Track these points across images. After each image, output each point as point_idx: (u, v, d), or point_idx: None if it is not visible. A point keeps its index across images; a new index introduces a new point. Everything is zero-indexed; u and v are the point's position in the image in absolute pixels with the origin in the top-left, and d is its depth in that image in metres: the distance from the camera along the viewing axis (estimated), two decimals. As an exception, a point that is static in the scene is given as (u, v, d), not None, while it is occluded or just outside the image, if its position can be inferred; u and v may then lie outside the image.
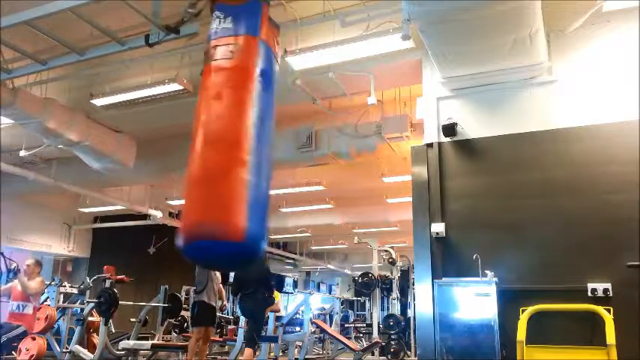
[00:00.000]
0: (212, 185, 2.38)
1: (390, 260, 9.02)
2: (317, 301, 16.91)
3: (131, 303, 7.34)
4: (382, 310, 11.06)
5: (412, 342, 8.49)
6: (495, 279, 4.31)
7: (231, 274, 7.10)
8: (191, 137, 2.56)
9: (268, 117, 2.63)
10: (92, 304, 6.07)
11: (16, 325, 5.92)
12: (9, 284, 6.25)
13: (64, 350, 6.03)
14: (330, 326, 8.62)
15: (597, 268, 4.20)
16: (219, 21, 2.82)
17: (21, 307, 6.10)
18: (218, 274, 6.48)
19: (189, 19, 3.57)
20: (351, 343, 8.00)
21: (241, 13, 2.85)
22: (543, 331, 4.17)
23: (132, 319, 6.96)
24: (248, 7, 2.86)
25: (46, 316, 5.83)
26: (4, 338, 5.74)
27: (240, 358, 6.35)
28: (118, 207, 10.48)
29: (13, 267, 6.13)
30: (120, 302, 5.96)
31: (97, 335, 6.12)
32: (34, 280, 6.14)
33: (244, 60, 2.67)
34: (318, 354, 9.07)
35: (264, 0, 2.87)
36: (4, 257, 6.18)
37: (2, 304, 6.38)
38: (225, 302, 7.33)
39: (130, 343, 6.08)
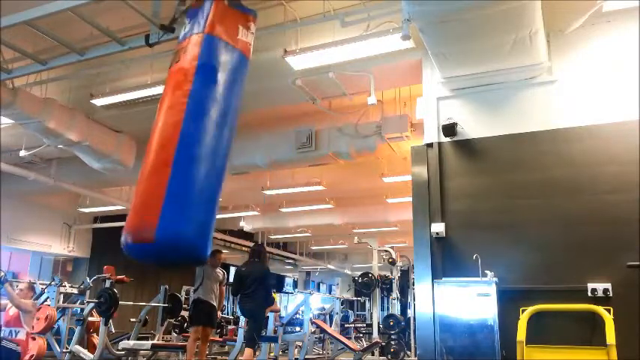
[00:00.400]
0: (137, 189, 2.44)
1: (390, 260, 9.01)
2: (317, 301, 16.91)
3: (131, 303, 7.36)
4: (382, 310, 11.06)
5: (412, 342, 8.49)
6: (495, 279, 4.31)
7: (231, 275, 7.10)
8: None
9: (206, 111, 2.56)
10: (92, 304, 6.07)
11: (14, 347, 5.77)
12: (5, 301, 6.13)
13: (64, 350, 6.03)
14: (330, 326, 8.62)
15: (597, 268, 4.20)
16: (184, 26, 2.87)
17: (14, 333, 5.98)
18: (219, 272, 6.46)
19: (180, 15, 3.57)
20: (351, 343, 8.00)
21: (196, 14, 2.88)
22: (543, 331, 4.17)
23: (132, 319, 6.96)
24: (201, 7, 2.87)
25: (46, 316, 5.82)
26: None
27: (240, 358, 6.34)
28: (118, 207, 10.47)
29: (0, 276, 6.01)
30: (120, 302, 5.96)
31: (97, 335, 6.12)
32: (26, 301, 6.02)
33: (184, 60, 2.69)
34: (318, 354, 9.07)
35: None
36: None
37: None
38: (222, 302, 7.29)
39: (130, 343, 6.08)
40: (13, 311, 5.93)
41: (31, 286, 6.23)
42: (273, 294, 6.38)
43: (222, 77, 2.66)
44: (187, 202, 2.37)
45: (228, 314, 11.76)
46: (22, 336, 5.79)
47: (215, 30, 2.75)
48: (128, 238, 2.30)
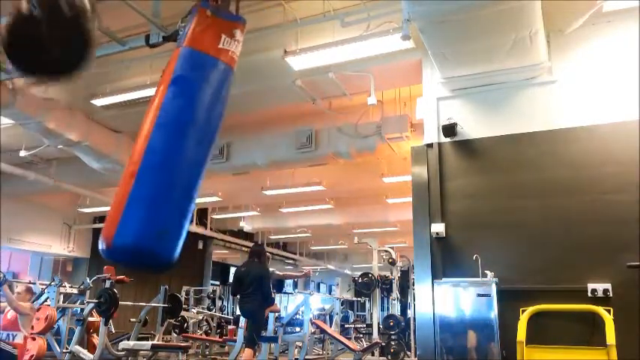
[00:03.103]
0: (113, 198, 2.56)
1: (390, 260, 9.00)
2: (317, 302, 16.91)
3: (131, 303, 7.35)
4: (382, 310, 11.05)
5: (412, 342, 8.48)
6: (495, 279, 4.31)
7: (231, 274, 7.08)
8: None
9: (175, 122, 2.62)
10: (92, 305, 6.06)
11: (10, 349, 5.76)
12: (4, 303, 6.12)
13: (64, 350, 6.02)
14: (330, 327, 8.61)
15: (597, 268, 4.19)
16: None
17: (11, 337, 5.97)
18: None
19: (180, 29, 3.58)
20: (351, 344, 7.99)
21: (185, 26, 2.94)
22: (543, 331, 4.17)
23: (132, 319, 6.95)
24: (188, 18, 2.94)
25: (46, 316, 5.81)
26: None
27: (240, 358, 6.34)
28: (118, 207, 10.45)
29: None
30: (120, 302, 5.95)
31: (97, 335, 6.11)
32: (24, 304, 6.01)
33: (163, 74, 2.76)
34: (318, 354, 9.06)
35: (202, 5, 2.87)
36: None
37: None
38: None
39: (130, 343, 6.07)
40: (10, 314, 5.92)
41: (29, 289, 6.22)
42: (273, 294, 6.36)
43: (195, 88, 2.70)
44: (147, 211, 2.44)
45: (228, 314, 11.76)
46: (19, 340, 5.77)
47: (193, 42, 2.80)
48: (101, 244, 2.46)
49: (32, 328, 5.73)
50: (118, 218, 2.37)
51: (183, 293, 11.15)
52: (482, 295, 4.26)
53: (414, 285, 7.58)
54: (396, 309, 9.29)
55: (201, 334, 9.52)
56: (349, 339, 9.25)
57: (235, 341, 6.97)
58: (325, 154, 7.07)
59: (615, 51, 4.58)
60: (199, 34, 2.79)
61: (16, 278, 10.46)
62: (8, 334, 5.90)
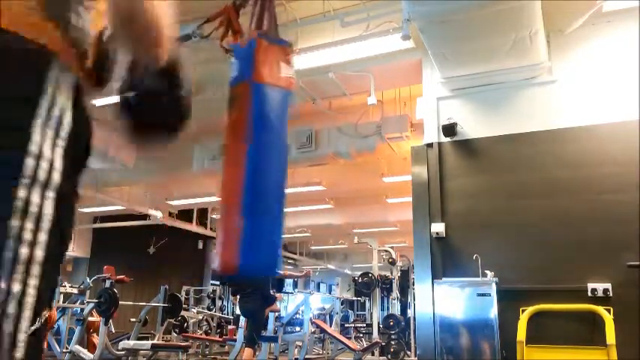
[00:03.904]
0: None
1: (390, 260, 9.01)
2: (317, 301, 16.91)
3: (131, 303, 7.35)
4: (382, 310, 11.05)
5: (412, 342, 8.49)
6: (495, 279, 4.31)
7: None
8: None
9: (267, 154, 2.83)
10: (92, 304, 6.07)
11: None
12: None
13: (64, 350, 6.03)
14: (330, 326, 8.62)
15: (597, 268, 4.20)
16: (232, 65, 2.95)
17: None
18: None
19: (196, 36, 3.57)
20: (351, 343, 7.99)
21: (241, 54, 2.97)
22: (543, 331, 4.17)
23: (132, 319, 6.96)
24: (246, 47, 2.98)
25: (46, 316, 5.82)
26: None
27: (240, 357, 6.34)
28: (118, 207, 10.48)
29: None
30: (120, 302, 5.96)
31: (97, 335, 6.12)
32: None
33: (241, 111, 2.88)
34: (318, 354, 9.07)
35: (259, 36, 2.89)
36: None
37: None
38: None
39: (130, 343, 6.08)
40: None
41: None
42: (273, 294, 6.37)
43: (273, 122, 2.86)
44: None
45: (228, 314, 11.77)
46: None
47: (260, 75, 2.88)
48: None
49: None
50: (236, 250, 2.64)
51: (183, 293, 11.16)
52: (482, 295, 4.26)
53: (414, 285, 7.59)
54: (396, 309, 9.29)
55: (201, 334, 9.52)
56: (349, 338, 9.25)
57: (235, 341, 6.97)
58: (325, 154, 7.07)
59: (615, 51, 4.58)
60: (264, 66, 2.90)
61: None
62: None
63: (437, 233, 4.75)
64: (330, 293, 21.94)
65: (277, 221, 2.75)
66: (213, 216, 12.89)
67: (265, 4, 2.96)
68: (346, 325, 11.40)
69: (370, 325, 9.37)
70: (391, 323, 8.40)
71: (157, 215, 10.60)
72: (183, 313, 8.30)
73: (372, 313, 9.06)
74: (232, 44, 2.85)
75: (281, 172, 2.76)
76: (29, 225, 0.80)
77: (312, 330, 7.56)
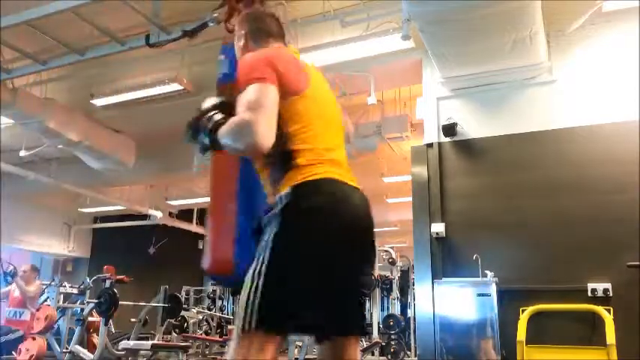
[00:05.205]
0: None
1: (390, 260, 9.01)
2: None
3: (131, 303, 7.34)
4: (382, 310, 11.04)
5: (412, 342, 8.49)
6: (495, 279, 4.31)
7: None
8: None
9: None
10: (92, 304, 6.06)
11: (14, 329, 5.90)
12: (7, 288, 6.22)
13: (64, 350, 6.02)
14: (330, 326, 8.60)
15: (597, 268, 4.20)
16: (220, 64, 3.00)
17: (18, 314, 6.04)
18: None
19: (211, 23, 3.55)
20: (351, 343, 7.97)
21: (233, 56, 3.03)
22: (543, 331, 4.17)
23: (132, 319, 6.96)
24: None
25: (46, 316, 5.82)
26: (3, 339, 5.73)
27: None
28: (118, 207, 10.47)
29: (10, 270, 6.09)
30: (120, 302, 5.95)
31: (97, 335, 6.12)
32: (31, 285, 6.13)
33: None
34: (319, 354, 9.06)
35: None
36: (0, 260, 6.16)
37: (2, 306, 6.36)
38: None
39: (130, 343, 6.07)
40: (17, 293, 6.03)
41: (35, 267, 6.34)
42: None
43: None
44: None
45: (228, 314, 11.76)
46: (26, 317, 5.90)
47: None
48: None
49: (35, 323, 5.79)
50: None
51: (183, 293, 11.16)
52: (482, 295, 4.26)
53: (414, 285, 7.59)
54: (396, 309, 9.29)
55: (201, 334, 9.51)
56: (349, 339, 9.23)
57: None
58: (325, 154, 7.05)
59: (615, 51, 4.58)
60: None
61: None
62: (16, 312, 6.03)
63: (437, 233, 4.75)
64: (330, 293, 21.91)
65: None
66: (213, 216, 12.86)
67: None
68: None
69: (370, 325, 9.37)
70: (391, 323, 8.40)
71: (157, 215, 10.60)
72: (183, 313, 8.29)
73: (372, 313, 9.05)
74: (223, 44, 2.85)
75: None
76: None
77: (312, 330, 7.54)
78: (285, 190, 1.55)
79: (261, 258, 1.51)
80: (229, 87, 2.68)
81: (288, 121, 1.59)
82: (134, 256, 11.36)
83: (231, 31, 2.67)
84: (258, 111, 1.46)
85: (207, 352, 8.86)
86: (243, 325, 1.46)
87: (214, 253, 2.57)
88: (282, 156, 1.59)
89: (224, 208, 2.71)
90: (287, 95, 1.60)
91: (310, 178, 1.56)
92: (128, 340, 6.46)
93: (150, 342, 6.40)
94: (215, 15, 3.26)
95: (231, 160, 2.54)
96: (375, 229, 1.77)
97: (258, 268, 1.51)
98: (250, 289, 1.49)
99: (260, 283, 1.49)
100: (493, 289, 4.23)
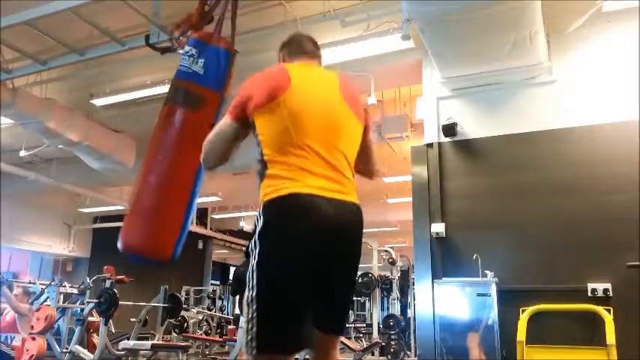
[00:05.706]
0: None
1: (390, 260, 9.00)
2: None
3: (131, 303, 7.34)
4: (382, 310, 11.05)
5: (412, 342, 8.48)
6: (495, 279, 4.31)
7: (231, 274, 7.08)
8: None
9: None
10: (92, 304, 6.06)
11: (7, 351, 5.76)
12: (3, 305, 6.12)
13: (64, 350, 6.02)
14: (330, 326, 8.59)
15: (597, 268, 4.20)
16: (190, 59, 3.19)
17: (9, 339, 5.96)
18: None
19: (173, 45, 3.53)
20: (351, 343, 7.99)
21: (209, 54, 3.28)
22: (543, 331, 4.17)
23: (132, 319, 6.95)
24: (217, 52, 3.33)
25: (46, 316, 5.81)
26: None
27: (240, 358, 6.34)
28: (118, 207, 10.47)
29: None
30: (120, 302, 5.95)
31: (97, 335, 6.11)
32: (23, 305, 6.03)
33: (204, 115, 3.20)
34: (318, 354, 9.05)
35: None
36: None
37: None
38: None
39: (130, 343, 6.07)
40: (9, 316, 5.92)
41: (26, 291, 6.24)
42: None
43: None
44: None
45: (228, 314, 11.76)
46: (17, 342, 5.78)
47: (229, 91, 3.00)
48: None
49: (32, 328, 5.74)
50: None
51: (183, 293, 11.15)
52: (482, 295, 4.26)
53: (414, 285, 7.59)
54: (396, 309, 9.29)
55: (201, 334, 9.52)
56: (349, 338, 9.25)
57: (235, 341, 6.97)
58: (325, 154, 7.05)
59: (615, 51, 4.58)
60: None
61: (16, 278, 10.44)
62: (7, 336, 5.91)
63: (437, 233, 4.75)
64: (330, 293, 21.91)
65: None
66: (213, 216, 12.89)
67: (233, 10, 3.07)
68: (346, 325, 11.39)
69: (370, 325, 9.36)
70: (391, 323, 8.39)
71: (157, 215, 10.56)
72: (183, 313, 8.28)
73: (372, 313, 9.06)
74: (192, 38, 2.91)
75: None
76: None
77: (312, 330, 7.54)
78: (260, 204, 1.66)
79: (250, 285, 1.61)
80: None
81: (264, 130, 1.70)
82: (134, 256, 11.34)
83: (179, 44, 2.90)
84: (210, 140, 1.82)
85: (207, 352, 8.86)
86: (247, 351, 1.58)
87: (156, 237, 2.86)
88: (259, 164, 1.72)
89: (173, 193, 2.87)
90: (259, 107, 1.71)
91: (276, 195, 1.63)
92: (128, 340, 6.46)
93: (150, 342, 6.40)
94: (176, 36, 3.27)
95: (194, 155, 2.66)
96: (358, 236, 1.93)
97: (249, 294, 1.60)
98: (247, 317, 1.59)
99: (252, 312, 1.58)
100: (493, 289, 4.23)
